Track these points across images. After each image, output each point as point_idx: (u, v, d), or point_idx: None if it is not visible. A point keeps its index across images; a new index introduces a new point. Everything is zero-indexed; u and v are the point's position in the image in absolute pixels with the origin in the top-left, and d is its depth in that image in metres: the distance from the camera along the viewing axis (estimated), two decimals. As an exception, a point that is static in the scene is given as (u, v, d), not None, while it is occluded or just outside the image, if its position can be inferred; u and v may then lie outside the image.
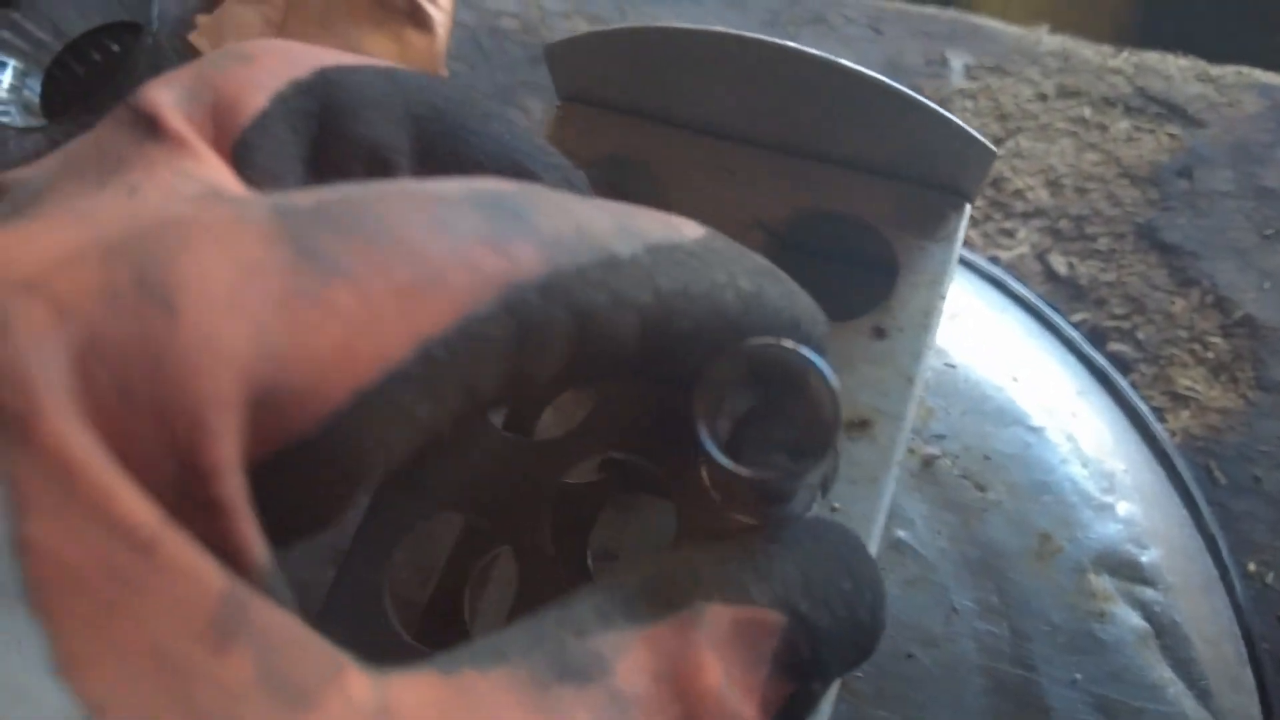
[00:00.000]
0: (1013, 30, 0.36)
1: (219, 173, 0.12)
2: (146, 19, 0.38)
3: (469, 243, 0.11)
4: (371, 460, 0.10)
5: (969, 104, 0.35)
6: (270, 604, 0.09)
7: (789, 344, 0.12)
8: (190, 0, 0.40)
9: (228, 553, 0.09)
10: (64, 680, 0.08)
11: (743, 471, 0.11)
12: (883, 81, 0.16)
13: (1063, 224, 0.33)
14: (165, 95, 0.12)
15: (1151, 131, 0.33)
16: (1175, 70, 0.34)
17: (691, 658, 0.11)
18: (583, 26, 0.40)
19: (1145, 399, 0.29)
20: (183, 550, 0.09)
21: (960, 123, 0.16)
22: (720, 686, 0.11)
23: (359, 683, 0.10)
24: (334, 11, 0.37)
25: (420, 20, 0.37)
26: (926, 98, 0.37)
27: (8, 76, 0.41)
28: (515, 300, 0.11)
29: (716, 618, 0.12)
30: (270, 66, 0.13)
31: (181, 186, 0.11)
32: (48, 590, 0.08)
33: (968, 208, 0.17)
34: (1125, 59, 0.35)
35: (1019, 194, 0.33)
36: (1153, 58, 0.35)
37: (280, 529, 0.10)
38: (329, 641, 0.10)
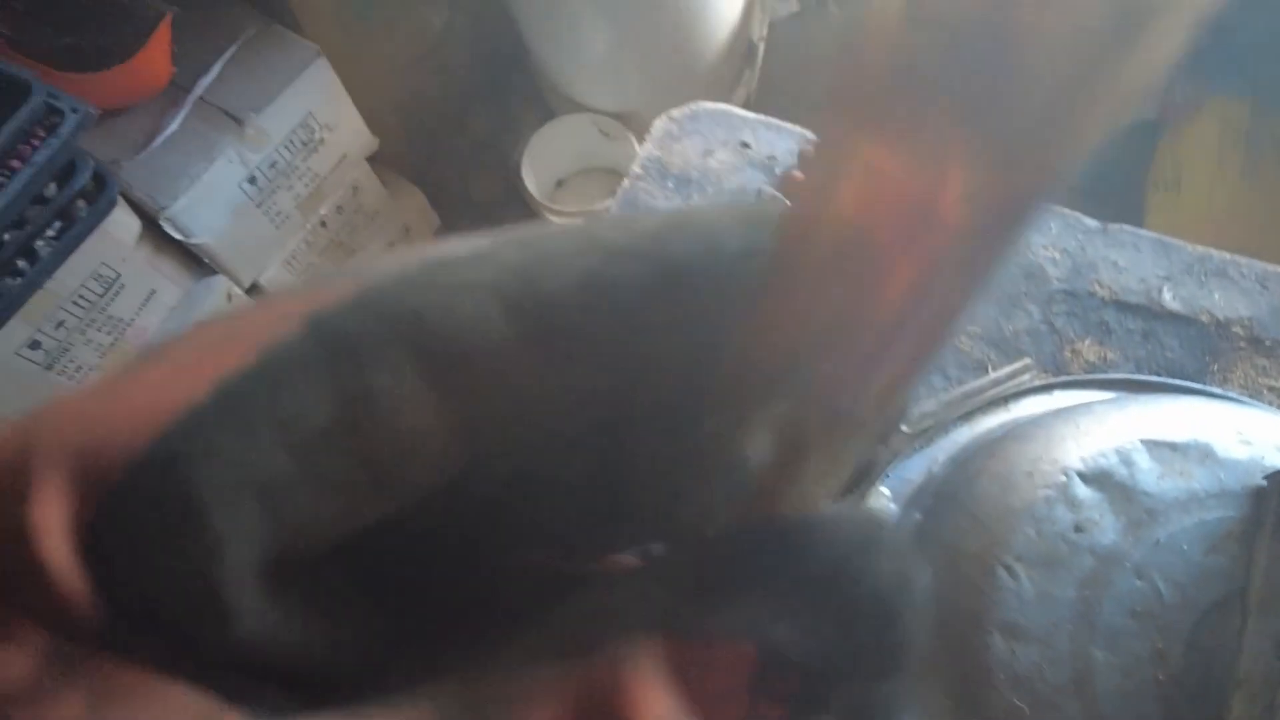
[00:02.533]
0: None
1: None
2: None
3: (288, 298, 0.11)
4: (204, 498, 0.10)
5: (1326, 348, 0.56)
6: (113, 663, 0.10)
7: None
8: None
9: (61, 610, 0.10)
10: None
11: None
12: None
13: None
14: None
15: None
16: None
17: (620, 696, 0.10)
18: (1053, 253, 0.60)
19: None
20: (10, 617, 0.10)
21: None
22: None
23: None
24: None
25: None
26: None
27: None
28: (316, 322, 0.10)
29: (656, 653, 0.10)
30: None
31: None
32: None
33: None
34: None
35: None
36: None
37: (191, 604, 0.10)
38: (206, 694, 0.10)
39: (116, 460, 0.10)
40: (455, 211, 1.35)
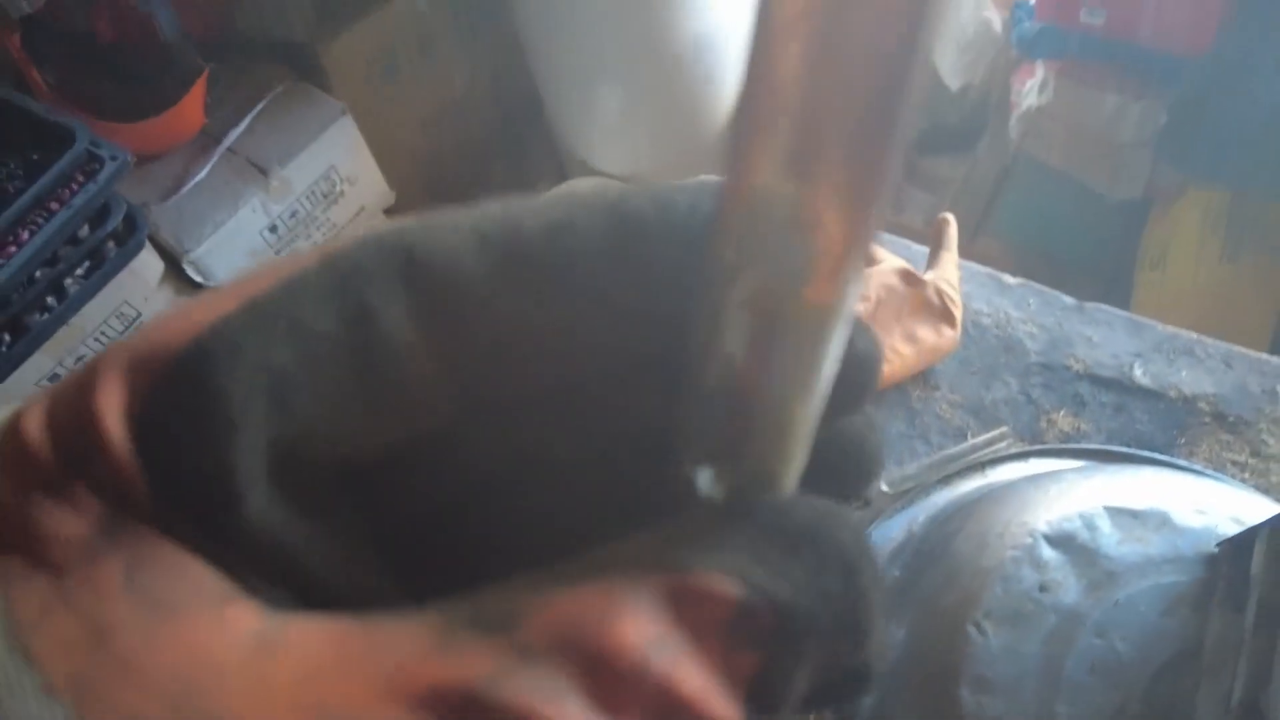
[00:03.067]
0: (1317, 384, 0.60)
1: None
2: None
3: (313, 248, 0.13)
4: (223, 386, 0.12)
5: (1287, 427, 0.59)
6: (154, 535, 0.12)
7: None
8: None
9: (118, 483, 0.12)
10: None
11: None
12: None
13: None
14: None
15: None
16: None
17: (606, 617, 0.11)
18: (1031, 328, 0.64)
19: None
20: (76, 486, 0.12)
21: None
22: (638, 645, 0.11)
23: (243, 614, 0.12)
24: (904, 308, 0.61)
25: (949, 318, 0.61)
26: (1264, 417, 0.62)
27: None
28: (331, 256, 0.13)
29: (647, 584, 0.12)
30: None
31: None
32: None
33: None
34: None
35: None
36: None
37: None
38: (227, 580, 0.12)
39: (161, 359, 0.13)
40: (465, 263, 1.39)
